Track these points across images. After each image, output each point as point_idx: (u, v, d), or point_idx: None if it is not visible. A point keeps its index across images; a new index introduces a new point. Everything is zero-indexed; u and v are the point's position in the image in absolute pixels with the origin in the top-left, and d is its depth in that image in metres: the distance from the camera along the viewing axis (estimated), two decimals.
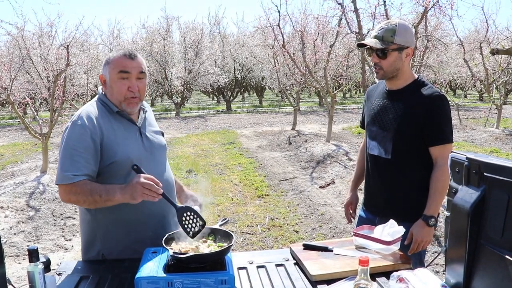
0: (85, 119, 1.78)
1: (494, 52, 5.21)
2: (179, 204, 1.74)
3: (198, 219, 1.71)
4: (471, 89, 19.85)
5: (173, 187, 2.02)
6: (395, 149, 2.09)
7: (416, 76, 2.14)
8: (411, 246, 2.02)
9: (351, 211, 2.46)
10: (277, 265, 1.81)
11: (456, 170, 1.37)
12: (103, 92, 1.91)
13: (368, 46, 2.08)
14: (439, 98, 2.02)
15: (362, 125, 2.42)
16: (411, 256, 1.95)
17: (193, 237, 1.69)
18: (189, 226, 1.69)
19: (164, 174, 1.95)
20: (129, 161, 1.77)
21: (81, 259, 1.94)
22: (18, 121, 14.27)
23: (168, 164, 2.05)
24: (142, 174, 1.66)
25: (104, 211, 1.84)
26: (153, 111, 2.30)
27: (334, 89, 13.20)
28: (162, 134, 2.09)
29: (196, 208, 1.78)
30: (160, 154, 1.98)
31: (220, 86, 22.85)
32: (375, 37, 2.06)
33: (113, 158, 1.79)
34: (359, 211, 2.40)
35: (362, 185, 2.47)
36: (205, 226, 1.76)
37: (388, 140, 2.11)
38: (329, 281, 1.62)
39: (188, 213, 1.70)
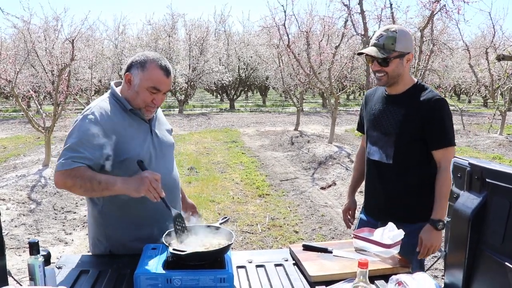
0: (97, 114, 1.77)
1: (500, 58, 5.17)
2: (173, 210, 1.75)
3: (184, 226, 1.77)
4: (476, 94, 19.77)
5: (178, 185, 2.03)
6: (396, 154, 2.08)
7: (416, 80, 2.14)
8: (421, 251, 2.01)
9: (349, 217, 2.44)
10: (276, 265, 1.81)
11: (458, 175, 1.37)
12: (116, 88, 1.90)
13: (369, 54, 2.05)
14: (439, 101, 2.01)
15: (360, 129, 2.41)
16: (412, 260, 1.94)
17: (179, 242, 1.72)
18: (179, 231, 1.74)
19: (171, 172, 1.97)
20: (139, 158, 1.79)
21: (81, 253, 1.95)
22: (22, 114, 14.31)
23: (175, 162, 2.07)
24: (151, 171, 1.70)
25: (110, 207, 1.85)
26: None
27: (338, 90, 13.18)
28: (171, 131, 2.11)
29: (192, 218, 1.90)
30: (168, 152, 2.00)
31: (224, 85, 22.85)
32: (375, 45, 2.03)
33: (126, 155, 1.79)
34: (360, 214, 2.39)
35: (361, 188, 2.46)
36: (204, 225, 1.83)
37: (390, 145, 2.10)
38: (327, 283, 1.63)
39: (179, 220, 1.75)
